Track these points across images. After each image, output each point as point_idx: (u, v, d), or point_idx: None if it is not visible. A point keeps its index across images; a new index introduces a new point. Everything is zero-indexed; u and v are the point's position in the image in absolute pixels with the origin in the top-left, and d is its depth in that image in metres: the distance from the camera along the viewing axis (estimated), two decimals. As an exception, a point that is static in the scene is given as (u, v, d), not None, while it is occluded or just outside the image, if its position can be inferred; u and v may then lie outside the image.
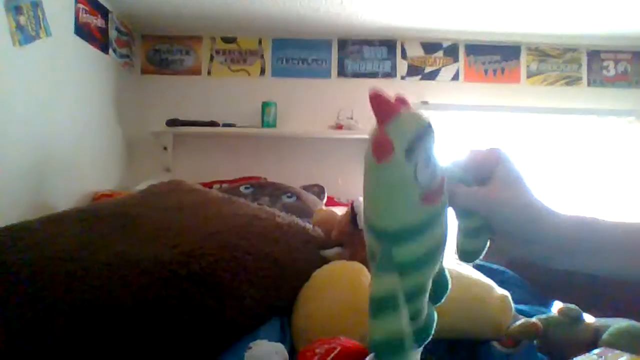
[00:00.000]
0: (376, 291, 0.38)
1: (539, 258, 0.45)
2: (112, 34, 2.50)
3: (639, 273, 0.42)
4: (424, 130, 0.37)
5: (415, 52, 2.91)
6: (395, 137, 0.36)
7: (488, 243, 0.47)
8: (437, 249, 0.42)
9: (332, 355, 0.60)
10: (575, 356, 0.52)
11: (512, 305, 0.83)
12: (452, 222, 0.46)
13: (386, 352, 0.37)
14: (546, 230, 0.43)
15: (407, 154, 0.36)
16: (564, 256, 0.44)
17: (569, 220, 0.44)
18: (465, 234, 0.47)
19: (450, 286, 0.48)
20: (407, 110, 0.38)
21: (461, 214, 0.46)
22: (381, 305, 0.38)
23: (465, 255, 0.48)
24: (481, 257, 0.48)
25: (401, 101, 0.38)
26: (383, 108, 0.37)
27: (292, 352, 0.75)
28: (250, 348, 0.66)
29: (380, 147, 0.36)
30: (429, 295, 0.45)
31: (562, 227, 0.43)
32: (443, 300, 0.48)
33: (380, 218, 0.39)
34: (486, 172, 0.45)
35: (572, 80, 2.93)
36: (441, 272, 0.47)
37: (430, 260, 0.41)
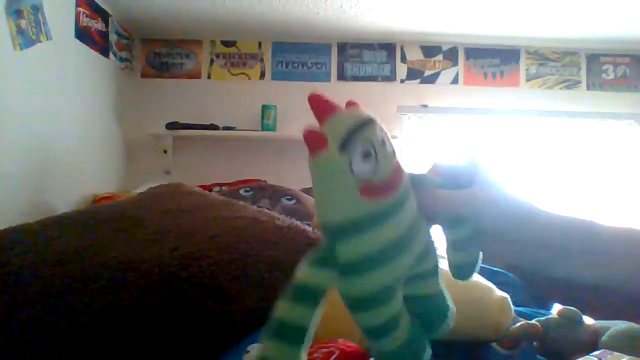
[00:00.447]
0: (299, 278, 0.38)
1: (532, 262, 0.44)
2: (113, 37, 2.51)
3: None
4: (360, 124, 0.38)
5: (415, 55, 2.92)
6: (329, 132, 0.37)
7: (480, 255, 0.45)
8: (391, 253, 0.39)
9: (331, 359, 0.60)
10: (575, 358, 0.52)
11: (512, 307, 0.83)
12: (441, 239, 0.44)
13: (268, 333, 0.37)
14: (537, 226, 0.42)
15: (341, 147, 0.37)
16: (559, 258, 0.42)
17: (561, 218, 0.43)
18: (454, 247, 0.45)
19: (450, 314, 0.45)
20: (349, 109, 0.39)
21: (447, 224, 0.44)
22: (298, 294, 0.38)
23: (459, 271, 0.46)
24: (476, 271, 0.45)
25: (350, 104, 0.39)
26: (321, 108, 0.38)
27: (292, 354, 0.75)
28: (248, 352, 0.66)
29: (313, 142, 0.37)
30: (424, 324, 0.43)
31: (555, 223, 0.42)
32: (440, 332, 0.45)
33: (321, 212, 0.39)
34: (466, 178, 0.44)
35: (571, 84, 2.94)
36: (434, 296, 0.45)
37: (382, 265, 0.39)
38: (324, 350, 0.63)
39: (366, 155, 0.37)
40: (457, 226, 0.44)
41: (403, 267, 0.41)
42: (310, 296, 0.38)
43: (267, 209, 1.17)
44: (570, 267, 0.43)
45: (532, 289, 1.06)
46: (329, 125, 0.37)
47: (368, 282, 0.39)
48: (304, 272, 0.38)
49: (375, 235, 0.38)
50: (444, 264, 0.46)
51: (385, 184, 0.39)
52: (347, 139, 0.37)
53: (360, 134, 0.37)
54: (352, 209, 0.38)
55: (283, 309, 0.38)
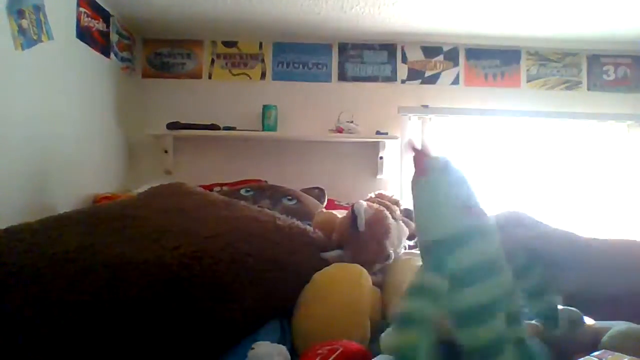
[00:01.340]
0: (419, 280, 0.46)
1: (592, 285, 0.49)
2: (114, 37, 2.51)
3: None
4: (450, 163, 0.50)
5: (416, 56, 2.92)
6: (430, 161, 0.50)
7: (557, 303, 0.54)
8: (490, 267, 0.47)
9: (334, 356, 0.60)
10: (575, 358, 0.53)
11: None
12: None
13: (402, 322, 0.45)
14: (590, 251, 0.49)
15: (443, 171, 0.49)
16: (618, 277, 0.47)
17: (600, 240, 0.50)
18: (530, 294, 0.54)
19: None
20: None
21: (519, 273, 0.52)
22: (417, 292, 0.45)
23: (547, 323, 0.56)
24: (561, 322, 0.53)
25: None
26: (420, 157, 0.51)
27: (293, 353, 0.75)
28: (253, 348, 0.67)
29: (427, 162, 0.50)
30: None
31: (600, 242, 0.47)
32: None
33: (431, 229, 0.49)
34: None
35: (572, 85, 2.94)
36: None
37: (483, 277, 0.47)
38: (328, 347, 0.63)
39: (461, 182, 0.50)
40: (526, 273, 0.53)
41: (501, 287, 0.48)
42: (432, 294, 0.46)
43: (268, 209, 1.17)
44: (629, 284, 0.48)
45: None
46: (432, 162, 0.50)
47: (472, 293, 0.47)
48: (427, 276, 0.47)
49: (478, 247, 0.47)
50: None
51: (479, 208, 0.50)
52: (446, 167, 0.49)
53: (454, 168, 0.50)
54: (461, 224, 0.47)
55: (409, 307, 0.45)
